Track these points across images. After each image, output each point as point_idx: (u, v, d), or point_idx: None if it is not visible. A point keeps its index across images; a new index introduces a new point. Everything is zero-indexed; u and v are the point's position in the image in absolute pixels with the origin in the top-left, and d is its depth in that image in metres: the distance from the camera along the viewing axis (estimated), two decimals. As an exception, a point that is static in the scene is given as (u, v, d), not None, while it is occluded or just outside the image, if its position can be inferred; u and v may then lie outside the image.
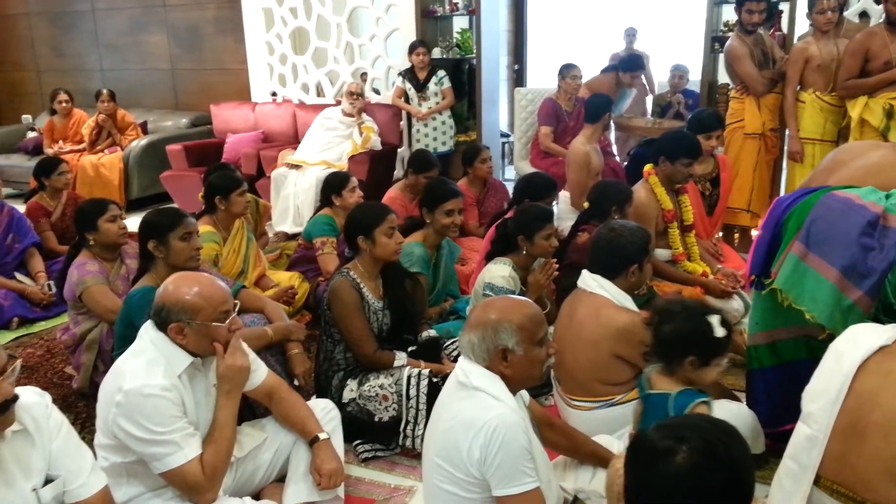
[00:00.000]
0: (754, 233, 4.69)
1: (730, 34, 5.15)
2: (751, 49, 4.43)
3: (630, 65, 5.55)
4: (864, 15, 4.73)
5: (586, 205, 3.49)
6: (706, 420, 1.30)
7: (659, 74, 7.16)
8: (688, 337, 1.92)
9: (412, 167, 4.37)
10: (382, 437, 2.63)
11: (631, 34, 6.88)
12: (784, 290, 2.24)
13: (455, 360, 2.77)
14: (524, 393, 1.97)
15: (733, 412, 2.33)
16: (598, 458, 2.12)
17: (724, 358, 1.91)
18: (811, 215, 2.24)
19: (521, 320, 1.77)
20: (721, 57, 5.31)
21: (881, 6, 4.10)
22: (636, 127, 5.54)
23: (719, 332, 1.87)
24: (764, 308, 2.41)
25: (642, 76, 6.19)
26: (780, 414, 2.30)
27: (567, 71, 5.38)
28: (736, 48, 4.43)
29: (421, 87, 5.84)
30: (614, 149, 5.59)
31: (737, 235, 4.86)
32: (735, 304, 3.45)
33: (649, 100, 6.72)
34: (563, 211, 4.47)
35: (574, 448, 2.15)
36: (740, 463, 1.22)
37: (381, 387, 2.58)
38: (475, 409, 1.73)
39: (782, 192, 4.70)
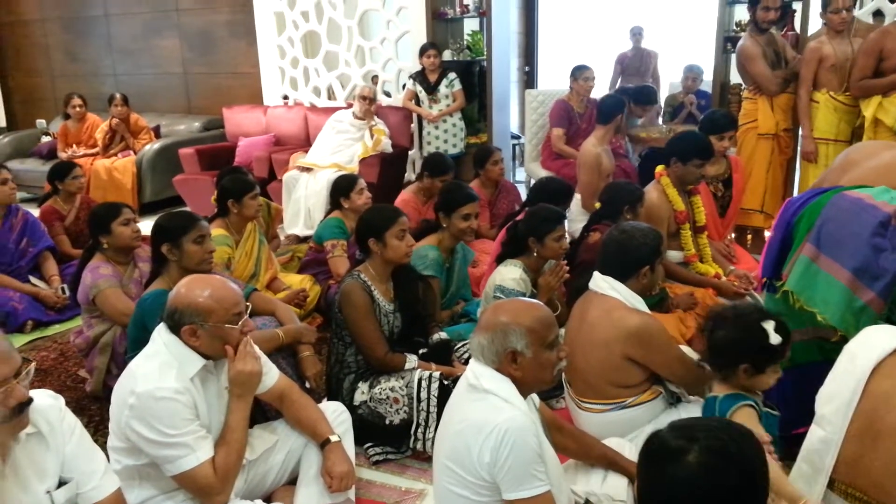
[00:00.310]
0: (767, 234, 4.66)
1: (742, 34, 5.12)
2: (763, 49, 4.40)
3: (642, 98, 5.40)
4: (878, 14, 4.69)
5: (598, 205, 3.48)
6: (720, 421, 1.29)
7: (671, 74, 7.13)
8: (740, 344, 1.86)
9: (428, 170, 4.36)
10: (393, 440, 2.64)
11: (637, 33, 6.85)
12: (796, 293, 2.23)
13: (466, 363, 2.78)
14: (534, 395, 1.97)
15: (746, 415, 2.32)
16: (609, 461, 2.11)
17: (779, 363, 1.83)
18: (822, 216, 2.23)
19: (530, 323, 1.77)
20: (733, 57, 5.29)
21: (895, 5, 4.06)
22: (650, 139, 5.49)
23: (774, 339, 1.81)
24: (776, 311, 2.39)
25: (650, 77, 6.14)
26: (793, 417, 2.28)
27: (580, 73, 5.35)
28: (748, 48, 4.41)
29: (432, 89, 5.84)
30: (629, 150, 5.55)
31: (749, 237, 4.83)
32: (748, 306, 3.43)
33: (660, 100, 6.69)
34: (574, 213, 4.46)
35: (584, 451, 2.14)
36: (753, 463, 1.21)
37: (391, 389, 2.58)
38: (486, 411, 1.73)
39: (795, 193, 4.67)
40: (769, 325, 1.81)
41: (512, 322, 1.77)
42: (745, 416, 1.80)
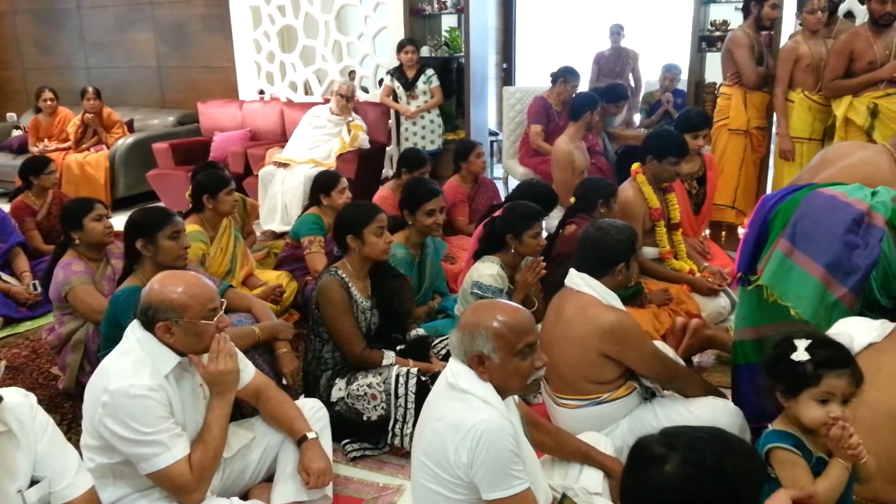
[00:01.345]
0: (741, 231, 4.73)
1: (717, 33, 5.19)
2: (752, 43, 4.48)
3: (613, 96, 5.37)
4: (849, 15, 4.77)
5: (572, 200, 3.50)
6: (711, 433, 1.26)
7: (648, 73, 7.18)
8: (770, 360, 1.73)
9: (405, 166, 4.35)
10: (371, 436, 2.64)
11: (616, 32, 6.84)
12: (770, 287, 2.26)
13: (443, 359, 2.79)
14: (513, 392, 1.97)
15: (719, 409, 2.35)
16: (584, 455, 2.12)
17: (820, 391, 1.63)
18: (797, 213, 2.26)
19: (498, 328, 1.74)
20: (709, 56, 5.35)
21: (865, 6, 4.13)
22: (629, 136, 5.52)
23: (799, 355, 1.64)
24: (750, 305, 2.43)
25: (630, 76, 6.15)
26: (764, 409, 2.32)
27: (572, 78, 5.34)
28: (740, 36, 4.50)
29: (409, 85, 5.84)
30: (608, 147, 5.56)
31: (724, 233, 4.89)
32: (721, 302, 3.47)
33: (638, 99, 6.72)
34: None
35: (559, 447, 2.15)
36: (733, 477, 1.20)
37: (369, 386, 2.58)
38: (463, 411, 1.72)
39: (769, 191, 4.73)
40: (801, 342, 1.65)
41: (480, 324, 1.75)
42: (780, 462, 1.65)
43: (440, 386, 1.86)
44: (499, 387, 1.78)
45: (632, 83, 6.71)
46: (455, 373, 1.79)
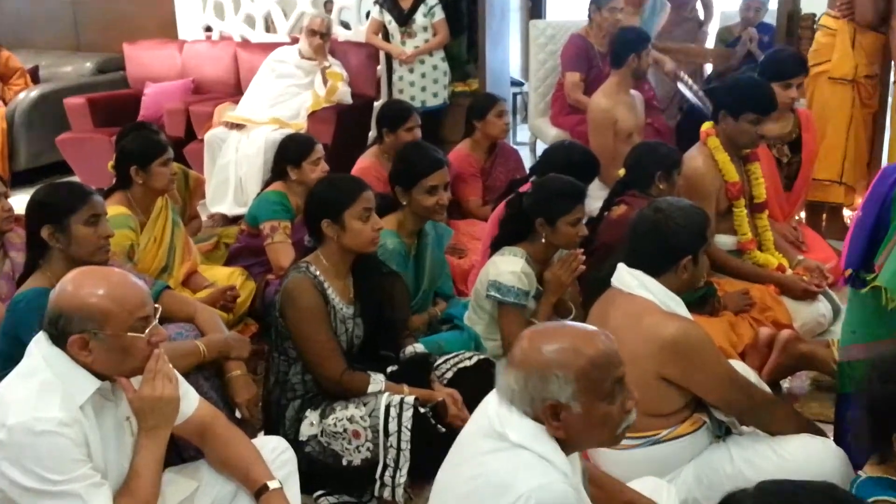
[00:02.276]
0: (848, 213, 4.71)
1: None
2: None
3: None
4: None
5: (622, 172, 3.49)
6: (820, 490, 1.26)
7: (725, 2, 7.14)
8: (887, 405, 1.72)
9: (386, 125, 4.39)
10: (352, 486, 2.66)
11: None
12: (890, 290, 2.25)
13: (449, 384, 2.80)
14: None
15: (816, 451, 2.35)
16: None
17: None
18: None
19: (581, 365, 1.68)
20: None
21: None
22: (677, 50, 5.45)
23: None
24: (863, 313, 2.42)
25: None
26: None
27: (608, 1, 5.34)
28: None
29: (405, 19, 5.82)
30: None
31: (825, 217, 4.88)
32: (821, 308, 3.47)
33: (711, 32, 6.66)
34: (591, 187, 4.47)
35: (607, 499, 2.15)
36: None
37: (350, 420, 2.60)
38: (512, 470, 1.67)
39: (884, 162, 4.71)
40: None
41: (553, 363, 1.69)
42: None
43: (475, 429, 1.81)
44: (577, 442, 1.75)
45: (700, 14, 6.63)
46: (502, 420, 1.73)
